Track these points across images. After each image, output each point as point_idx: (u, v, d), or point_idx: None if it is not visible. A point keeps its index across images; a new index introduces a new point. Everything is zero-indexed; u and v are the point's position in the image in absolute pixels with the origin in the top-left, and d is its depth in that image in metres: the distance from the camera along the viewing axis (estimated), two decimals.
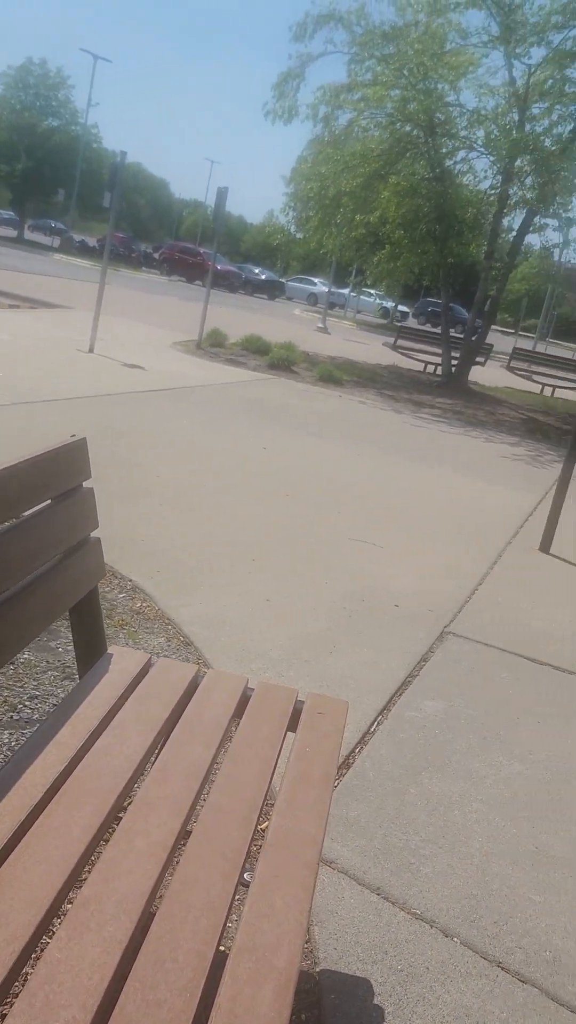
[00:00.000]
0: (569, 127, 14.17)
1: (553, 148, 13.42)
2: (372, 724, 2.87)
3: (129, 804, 1.33)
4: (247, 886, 1.22)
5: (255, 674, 3.04)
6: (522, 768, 2.78)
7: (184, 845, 1.25)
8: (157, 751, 1.49)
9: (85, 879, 1.17)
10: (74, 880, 1.14)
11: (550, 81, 13.71)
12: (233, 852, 1.24)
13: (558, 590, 4.76)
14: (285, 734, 1.62)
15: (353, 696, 3.02)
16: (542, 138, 13.71)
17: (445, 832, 2.36)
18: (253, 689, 1.76)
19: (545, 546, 5.50)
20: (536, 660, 3.71)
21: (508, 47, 13.36)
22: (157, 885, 1.15)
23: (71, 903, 1.34)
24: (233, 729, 1.62)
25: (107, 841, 1.24)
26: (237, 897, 1.22)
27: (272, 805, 1.40)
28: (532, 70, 13.56)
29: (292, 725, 1.67)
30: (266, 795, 1.41)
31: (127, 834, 1.23)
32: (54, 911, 1.08)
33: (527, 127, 13.59)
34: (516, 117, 13.62)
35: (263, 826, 1.37)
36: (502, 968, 1.92)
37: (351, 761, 2.61)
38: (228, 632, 3.35)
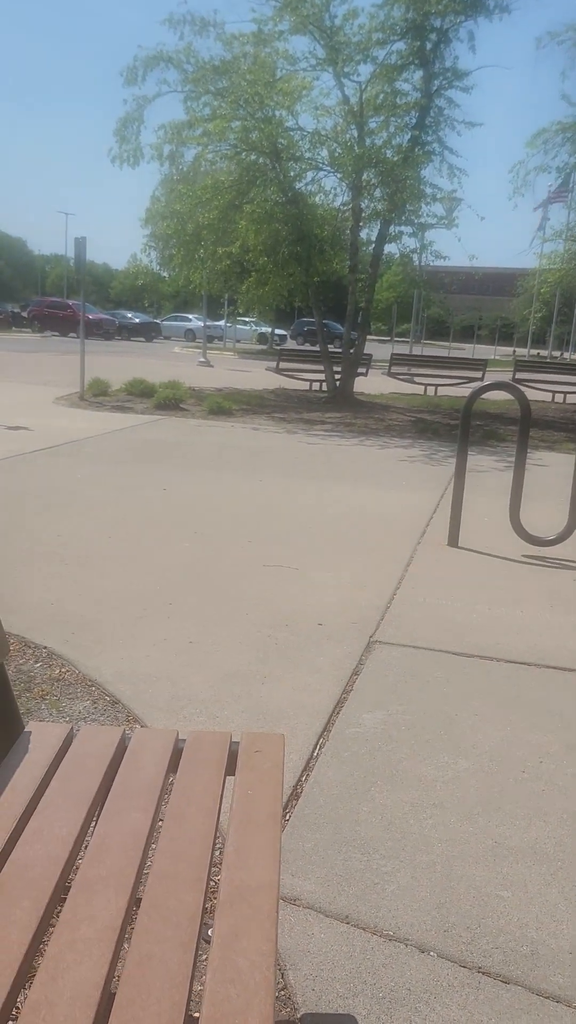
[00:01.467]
0: (407, 137, 14.70)
1: (395, 159, 13.87)
2: (315, 748, 2.82)
3: (69, 889, 1.24)
4: (209, 942, 1.16)
5: (189, 719, 2.95)
6: (468, 764, 2.78)
7: (135, 922, 1.18)
8: (92, 826, 1.41)
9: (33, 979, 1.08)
10: (20, 986, 1.06)
11: (381, 96, 14.20)
12: (188, 919, 1.17)
13: (471, 581, 4.83)
14: (224, 780, 1.56)
15: (292, 722, 2.97)
16: (383, 150, 14.15)
17: (404, 844, 2.32)
18: (185, 740, 1.69)
19: (453, 540, 5.59)
20: (464, 654, 3.74)
21: (336, 68, 13.77)
22: (111, 972, 1.08)
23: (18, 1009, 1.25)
24: (170, 786, 1.55)
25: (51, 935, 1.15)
26: (203, 956, 1.15)
27: (222, 859, 1.34)
28: (363, 87, 14.02)
29: (230, 769, 1.61)
30: (213, 850, 1.35)
31: (70, 923, 1.15)
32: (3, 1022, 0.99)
33: (367, 142, 14.01)
34: (355, 133, 14.03)
35: (215, 885, 1.31)
36: (483, 973, 1.89)
37: (299, 791, 2.56)
38: (154, 682, 3.25)
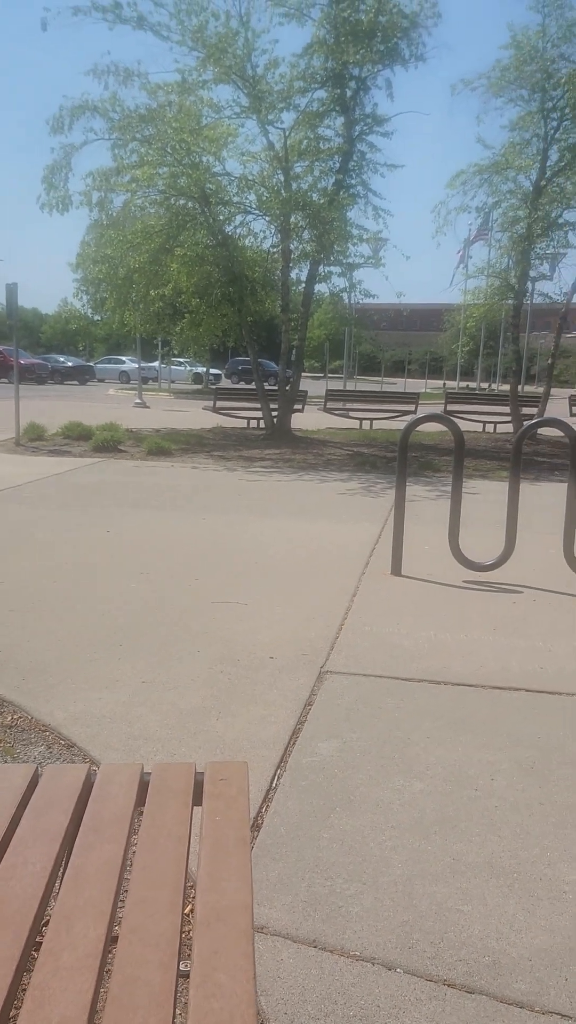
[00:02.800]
0: (331, 180, 15.12)
1: (321, 202, 14.25)
2: (273, 779, 2.86)
3: (48, 922, 1.27)
4: (187, 976, 1.20)
5: (146, 758, 2.97)
6: (423, 786, 2.85)
7: (115, 948, 1.21)
8: (65, 861, 1.44)
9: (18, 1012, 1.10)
10: (6, 1018, 1.08)
11: (304, 141, 14.62)
12: (167, 941, 1.21)
13: (416, 608, 4.95)
14: (192, 809, 1.60)
15: (249, 755, 3.01)
16: (309, 194, 14.53)
17: (365, 867, 2.38)
18: (150, 773, 1.73)
19: (396, 569, 5.72)
20: (413, 679, 3.83)
21: (260, 115, 14.13)
22: (95, 997, 1.11)
23: None
24: (139, 818, 1.58)
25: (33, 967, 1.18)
26: (182, 984, 1.19)
27: (195, 883, 1.38)
28: (287, 133, 14.40)
29: (197, 799, 1.65)
30: (186, 875, 1.39)
31: (52, 953, 1.18)
32: None
33: (293, 186, 14.36)
34: (282, 178, 14.38)
35: (189, 909, 1.35)
36: (448, 985, 1.95)
37: (260, 822, 2.59)
38: (109, 724, 3.25)
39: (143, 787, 1.67)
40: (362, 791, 2.80)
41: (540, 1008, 1.88)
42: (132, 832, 1.52)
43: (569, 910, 2.22)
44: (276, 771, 2.92)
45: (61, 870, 1.42)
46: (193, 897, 1.34)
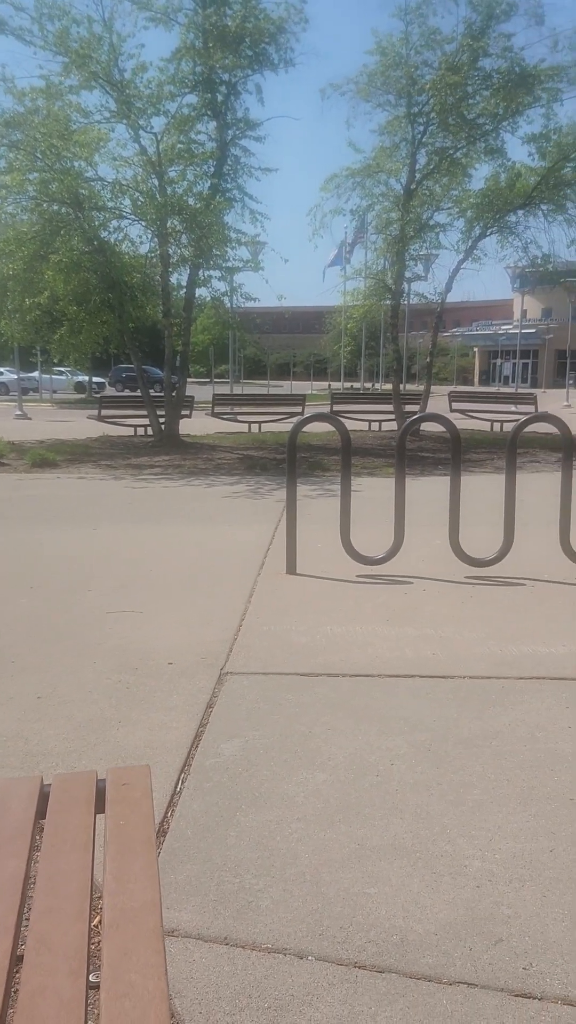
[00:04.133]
0: (207, 184, 15.13)
1: (197, 206, 14.24)
2: (177, 783, 2.85)
3: None
4: (97, 986, 1.19)
5: (46, 774, 2.89)
6: (326, 776, 2.90)
7: (23, 960, 1.19)
8: None
9: None
10: None
11: (177, 146, 14.57)
12: (75, 949, 1.20)
13: (312, 605, 5.02)
14: (95, 816, 1.59)
15: (152, 761, 2.98)
16: (185, 198, 14.50)
17: (273, 861, 2.40)
18: (50, 784, 1.70)
19: (291, 568, 5.78)
20: (311, 673, 3.89)
21: (130, 120, 14.01)
22: (3, 1014, 1.09)
23: None
24: (40, 831, 1.55)
25: None
26: (94, 994, 1.18)
27: (101, 890, 1.37)
28: (159, 138, 14.33)
29: (100, 806, 1.64)
30: (92, 882, 1.38)
31: None
32: None
33: (168, 190, 14.30)
34: (156, 182, 14.28)
35: (98, 920, 1.34)
36: (358, 967, 1.99)
37: (167, 827, 2.58)
38: (5, 742, 3.16)
39: (44, 798, 1.64)
40: (267, 787, 2.82)
41: (447, 980, 1.95)
42: (34, 846, 1.50)
43: (470, 884, 2.30)
44: (180, 775, 2.91)
45: None
46: (100, 904, 1.32)
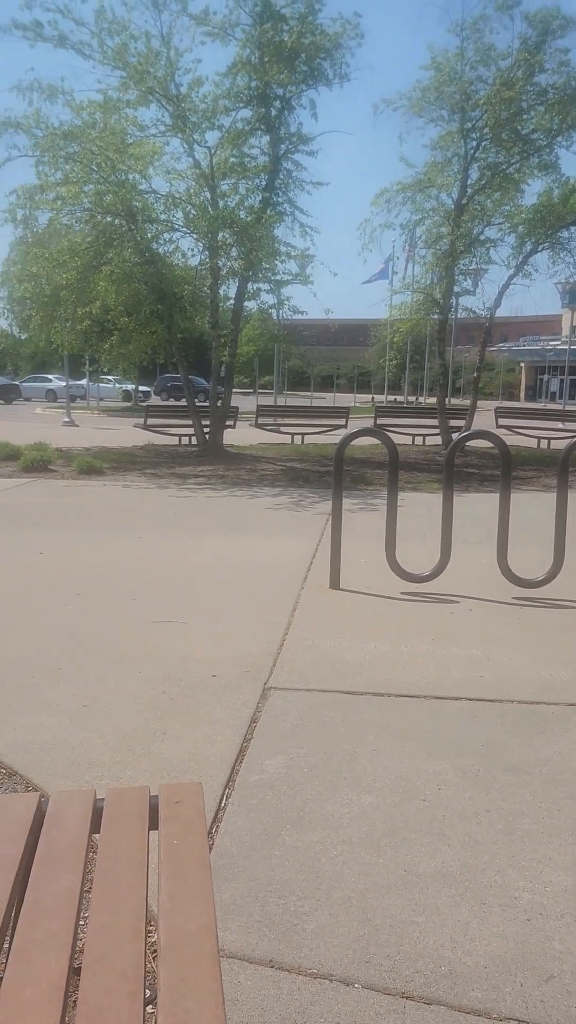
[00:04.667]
0: (258, 198, 15.23)
1: (248, 219, 14.34)
2: (222, 799, 2.84)
3: (7, 956, 1.24)
4: (154, 1003, 1.18)
5: (92, 783, 2.91)
6: (372, 799, 2.87)
7: (80, 978, 1.18)
8: (21, 893, 1.40)
9: None
10: None
11: (230, 160, 14.70)
12: (132, 969, 1.19)
13: (356, 621, 4.98)
14: (149, 833, 1.58)
15: (196, 775, 2.98)
16: (236, 211, 14.60)
17: (319, 883, 2.37)
18: (103, 799, 1.70)
19: (334, 583, 5.75)
20: (356, 692, 3.85)
21: (185, 134, 14.17)
22: None
23: None
24: (95, 844, 1.55)
25: None
26: (150, 1010, 1.16)
27: (156, 909, 1.36)
28: (212, 151, 14.47)
29: (153, 823, 1.63)
30: (147, 901, 1.37)
31: (12, 988, 1.14)
32: None
33: (220, 203, 14.42)
34: (208, 195, 14.41)
35: (153, 936, 1.33)
36: (407, 998, 1.96)
37: (211, 842, 2.57)
38: (51, 750, 3.18)
39: (97, 814, 1.64)
40: (311, 807, 2.80)
41: (497, 1015, 1.91)
42: (89, 859, 1.49)
43: (520, 916, 2.25)
44: (224, 790, 2.90)
45: (16, 902, 1.38)
46: (154, 925, 1.31)
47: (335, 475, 5.93)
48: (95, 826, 1.60)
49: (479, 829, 2.68)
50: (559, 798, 2.89)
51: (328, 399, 42.35)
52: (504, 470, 5.72)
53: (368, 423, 18.92)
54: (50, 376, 44.26)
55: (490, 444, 5.96)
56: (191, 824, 1.59)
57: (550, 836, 2.65)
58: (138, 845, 1.51)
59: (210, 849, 2.51)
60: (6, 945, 1.29)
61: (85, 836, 1.55)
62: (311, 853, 2.52)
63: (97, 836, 1.58)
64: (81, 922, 1.37)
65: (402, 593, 5.64)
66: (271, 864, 2.46)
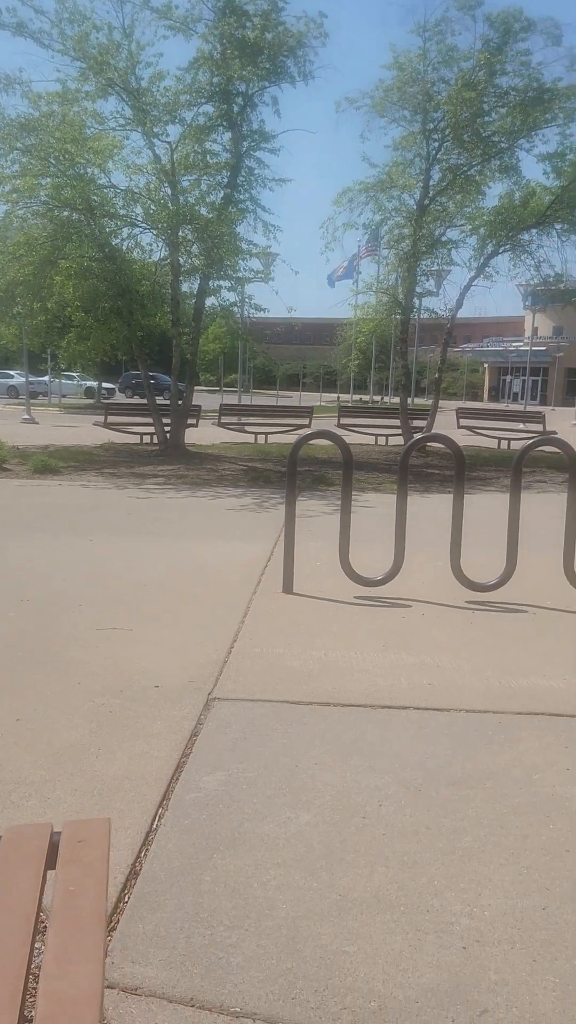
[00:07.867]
0: (220, 195, 15.08)
1: (210, 215, 14.17)
2: (153, 820, 2.72)
3: None
4: None
5: (18, 804, 2.77)
6: (310, 817, 2.77)
7: None
8: None
9: None
10: None
11: (192, 155, 14.52)
12: None
13: (307, 627, 4.88)
14: (44, 876, 1.46)
15: (129, 795, 2.86)
16: (197, 207, 14.43)
17: (248, 911, 2.27)
18: (0, 836, 1.58)
19: (288, 587, 5.65)
20: (302, 702, 3.75)
21: (145, 128, 13.97)
22: None
23: None
24: None
25: None
26: None
27: (40, 970, 1.24)
28: (173, 146, 14.28)
29: (51, 863, 1.51)
30: (30, 959, 1.25)
31: None
32: None
33: (181, 199, 14.23)
34: (169, 191, 14.22)
35: (32, 999, 1.21)
36: None
37: (138, 868, 2.45)
38: None
39: None
40: (247, 827, 2.69)
41: None
42: None
43: (456, 943, 2.17)
44: (157, 810, 2.78)
45: None
46: (35, 987, 1.20)
47: (288, 478, 5.83)
48: None
49: (418, 848, 2.59)
50: (502, 814, 2.81)
51: (294, 398, 42.27)
52: (458, 472, 5.66)
53: (332, 423, 18.83)
54: (11, 372, 43.58)
55: (449, 445, 5.90)
56: (92, 868, 1.47)
57: (491, 855, 2.57)
58: (29, 891, 1.39)
59: (136, 876, 2.40)
60: None
61: None
62: (243, 878, 2.41)
63: None
64: None
65: (356, 597, 5.56)
66: (200, 891, 2.35)
